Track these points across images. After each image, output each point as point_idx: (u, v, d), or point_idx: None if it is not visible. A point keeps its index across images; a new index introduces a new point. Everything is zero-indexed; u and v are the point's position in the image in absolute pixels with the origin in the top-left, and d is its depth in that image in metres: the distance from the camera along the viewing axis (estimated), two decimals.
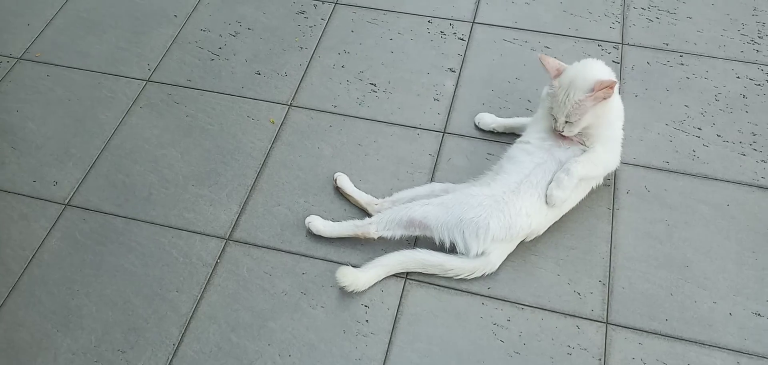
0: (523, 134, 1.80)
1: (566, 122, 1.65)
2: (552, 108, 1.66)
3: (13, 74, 2.19)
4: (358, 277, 1.63)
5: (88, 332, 1.61)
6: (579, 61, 1.71)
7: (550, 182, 1.66)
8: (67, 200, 1.86)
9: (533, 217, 1.66)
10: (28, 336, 1.61)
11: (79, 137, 2.01)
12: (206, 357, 1.56)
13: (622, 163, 1.80)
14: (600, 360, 1.54)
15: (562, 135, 1.69)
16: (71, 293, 1.67)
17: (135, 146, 1.98)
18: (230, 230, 1.78)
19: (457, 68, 2.13)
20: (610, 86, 1.61)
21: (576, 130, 1.66)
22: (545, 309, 1.62)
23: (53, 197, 1.87)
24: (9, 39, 2.30)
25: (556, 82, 1.67)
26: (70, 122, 2.05)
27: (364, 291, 1.65)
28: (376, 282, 1.66)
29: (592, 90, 1.61)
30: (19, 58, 2.24)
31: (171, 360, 1.56)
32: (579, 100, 1.61)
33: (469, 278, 1.66)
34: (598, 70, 1.68)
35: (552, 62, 1.70)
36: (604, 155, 1.72)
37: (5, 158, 1.97)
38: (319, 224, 1.74)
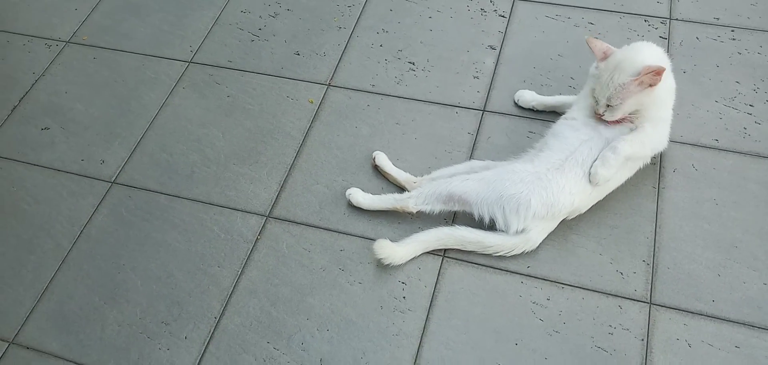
0: (569, 110, 1.76)
1: (608, 105, 1.60)
2: (594, 90, 1.61)
3: (61, 57, 2.26)
4: (395, 250, 1.63)
5: (134, 305, 1.66)
6: (629, 44, 1.66)
7: (596, 160, 1.63)
8: (114, 178, 1.91)
9: (576, 195, 1.62)
10: (77, 308, 1.67)
11: (125, 117, 2.06)
12: (247, 330, 1.59)
13: (669, 141, 1.74)
14: (643, 340, 1.50)
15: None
16: (117, 267, 1.72)
17: (178, 126, 2.02)
18: (270, 207, 1.80)
19: (497, 46, 2.10)
20: (657, 73, 1.55)
21: (617, 115, 1.62)
22: (586, 289, 1.59)
23: (100, 175, 1.92)
24: (57, 23, 2.37)
25: (602, 65, 1.62)
26: (116, 103, 2.10)
27: (401, 268, 1.65)
28: (413, 258, 1.66)
29: (639, 74, 1.56)
30: (68, 42, 2.31)
31: (213, 333, 1.59)
32: (623, 83, 1.56)
33: (508, 255, 1.64)
34: (649, 54, 1.62)
35: (599, 45, 1.65)
36: (653, 135, 1.67)
37: (55, 137, 2.03)
38: (359, 197, 1.74)
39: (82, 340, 1.61)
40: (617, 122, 1.65)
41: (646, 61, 1.59)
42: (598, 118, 1.65)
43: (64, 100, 2.13)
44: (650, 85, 1.57)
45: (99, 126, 2.05)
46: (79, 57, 2.25)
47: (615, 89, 1.57)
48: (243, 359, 1.55)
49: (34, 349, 1.61)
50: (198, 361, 1.55)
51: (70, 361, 1.58)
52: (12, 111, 2.12)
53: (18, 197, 1.90)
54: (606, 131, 1.66)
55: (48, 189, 1.91)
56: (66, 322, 1.64)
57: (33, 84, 2.19)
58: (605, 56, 1.63)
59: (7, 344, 1.62)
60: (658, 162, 1.78)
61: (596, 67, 1.65)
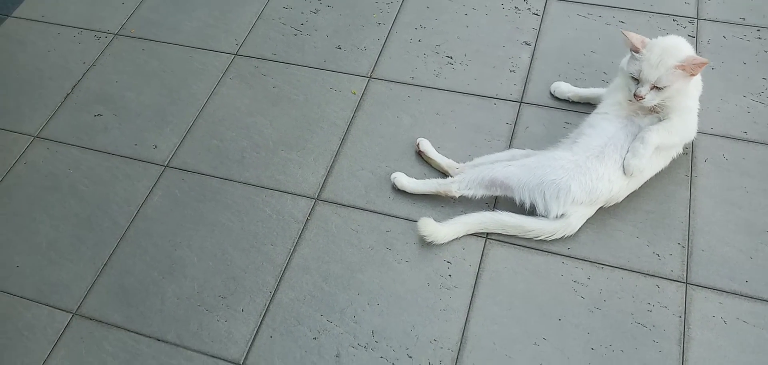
0: (600, 105, 1.84)
1: (654, 86, 1.67)
2: (641, 71, 1.66)
3: (111, 49, 2.35)
4: (438, 229, 1.71)
5: (191, 279, 1.74)
6: (664, 36, 1.74)
7: (627, 152, 1.71)
8: (167, 161, 2.00)
9: (614, 183, 1.70)
10: (136, 282, 1.75)
11: (175, 105, 2.15)
12: (301, 304, 1.67)
13: (699, 133, 1.82)
14: (680, 317, 1.58)
15: (638, 104, 1.71)
16: (174, 245, 1.81)
17: (226, 114, 2.10)
18: (318, 190, 1.89)
19: (532, 42, 2.19)
20: (701, 64, 1.64)
21: (658, 99, 1.69)
22: (625, 269, 1.66)
23: (153, 160, 2.01)
24: (106, 16, 2.46)
25: (644, 51, 1.68)
26: (165, 92, 2.19)
27: (446, 248, 1.73)
28: (455, 238, 1.74)
29: (684, 61, 1.64)
30: (116, 34, 2.40)
31: (268, 306, 1.67)
32: (673, 66, 1.64)
33: (548, 239, 1.72)
34: (687, 47, 1.71)
35: (636, 35, 1.72)
36: (680, 124, 1.74)
37: (108, 124, 2.12)
38: (404, 181, 1.83)
39: (142, 312, 1.69)
40: (646, 112, 1.73)
41: (689, 52, 1.68)
42: (637, 100, 1.69)
43: (115, 88, 2.22)
44: (691, 75, 1.66)
45: (150, 113, 2.13)
46: (128, 49, 2.34)
47: (665, 71, 1.64)
48: (298, 330, 1.63)
49: (96, 320, 1.69)
50: (255, 332, 1.63)
51: (132, 332, 1.66)
52: (65, 98, 2.21)
53: (75, 179, 1.98)
54: (638, 121, 1.74)
55: (103, 171, 1.99)
56: (126, 295, 1.72)
57: (84, 73, 2.28)
58: (643, 44, 1.70)
59: (70, 315, 1.70)
60: (690, 152, 1.86)
61: (632, 59, 1.72)
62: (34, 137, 2.10)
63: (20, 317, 1.71)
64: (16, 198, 1.95)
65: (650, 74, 1.66)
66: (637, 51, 1.69)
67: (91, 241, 1.84)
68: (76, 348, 1.65)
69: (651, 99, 1.69)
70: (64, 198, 1.94)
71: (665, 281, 1.64)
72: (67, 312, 1.71)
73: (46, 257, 1.81)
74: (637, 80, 1.69)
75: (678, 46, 1.69)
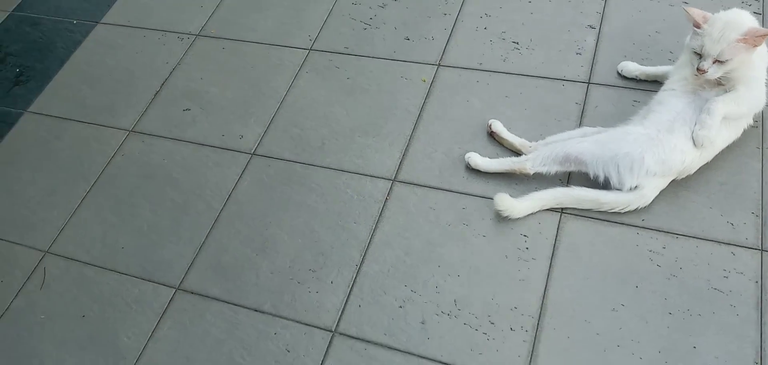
0: (668, 81, 1.89)
1: (717, 60, 1.72)
2: (703, 46, 1.72)
3: (194, 48, 2.51)
4: (514, 205, 1.79)
5: (282, 255, 1.86)
6: (726, 10, 1.78)
7: (695, 124, 1.75)
8: (253, 150, 2.14)
9: (687, 154, 1.75)
10: (231, 258, 1.88)
11: (257, 98, 2.29)
12: (385, 276, 1.77)
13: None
14: (757, 282, 1.61)
15: (703, 78, 1.75)
16: (265, 224, 1.94)
17: (305, 105, 2.23)
18: (395, 172, 1.99)
19: (596, 25, 2.25)
20: (763, 35, 1.68)
21: (721, 72, 1.73)
22: (699, 238, 1.71)
23: (240, 148, 2.15)
24: (187, 19, 2.63)
25: (705, 26, 1.74)
26: (247, 87, 2.33)
27: (521, 223, 1.81)
28: (530, 214, 1.81)
29: (746, 34, 1.68)
30: (198, 35, 2.56)
31: (355, 278, 1.78)
32: (734, 39, 1.68)
33: (622, 212, 1.78)
34: (749, 19, 1.75)
35: (697, 11, 1.77)
36: (747, 94, 1.77)
37: (196, 117, 2.28)
38: (478, 160, 1.91)
39: (239, 286, 1.82)
40: (713, 86, 1.77)
41: (751, 24, 1.71)
42: (700, 73, 1.73)
43: (200, 85, 2.38)
44: (754, 46, 1.70)
45: (234, 106, 2.28)
46: (210, 48, 2.50)
47: (727, 45, 1.69)
48: (385, 299, 1.73)
49: (198, 294, 1.83)
50: (345, 302, 1.75)
51: (231, 303, 1.80)
52: (155, 95, 2.37)
53: (169, 168, 2.14)
54: (705, 95, 1.78)
55: (195, 160, 2.14)
56: (224, 270, 1.86)
57: (171, 72, 2.44)
58: (705, 20, 1.75)
59: (174, 290, 1.85)
60: (761, 125, 1.89)
61: (696, 31, 1.76)
62: (130, 132, 2.28)
63: (128, 292, 1.87)
64: (117, 186, 2.12)
65: (712, 49, 1.71)
66: (698, 26, 1.74)
67: (188, 223, 1.99)
68: (181, 319, 1.79)
69: (714, 73, 1.73)
70: (160, 185, 2.10)
71: (740, 248, 1.68)
72: (170, 287, 1.86)
73: (148, 239, 1.97)
74: (699, 55, 1.74)
75: (740, 20, 1.73)
